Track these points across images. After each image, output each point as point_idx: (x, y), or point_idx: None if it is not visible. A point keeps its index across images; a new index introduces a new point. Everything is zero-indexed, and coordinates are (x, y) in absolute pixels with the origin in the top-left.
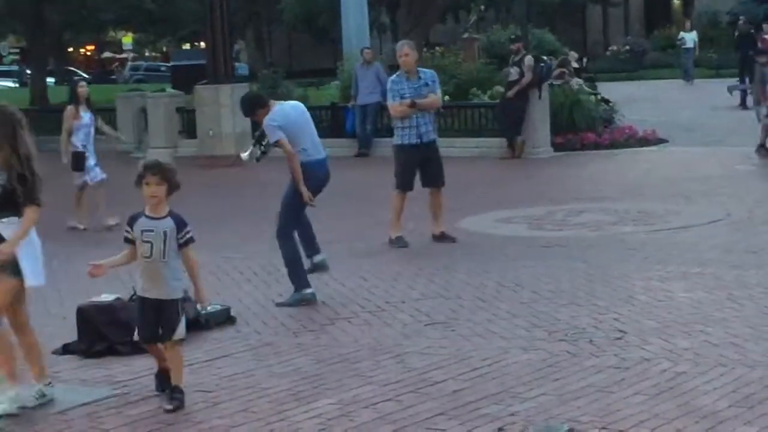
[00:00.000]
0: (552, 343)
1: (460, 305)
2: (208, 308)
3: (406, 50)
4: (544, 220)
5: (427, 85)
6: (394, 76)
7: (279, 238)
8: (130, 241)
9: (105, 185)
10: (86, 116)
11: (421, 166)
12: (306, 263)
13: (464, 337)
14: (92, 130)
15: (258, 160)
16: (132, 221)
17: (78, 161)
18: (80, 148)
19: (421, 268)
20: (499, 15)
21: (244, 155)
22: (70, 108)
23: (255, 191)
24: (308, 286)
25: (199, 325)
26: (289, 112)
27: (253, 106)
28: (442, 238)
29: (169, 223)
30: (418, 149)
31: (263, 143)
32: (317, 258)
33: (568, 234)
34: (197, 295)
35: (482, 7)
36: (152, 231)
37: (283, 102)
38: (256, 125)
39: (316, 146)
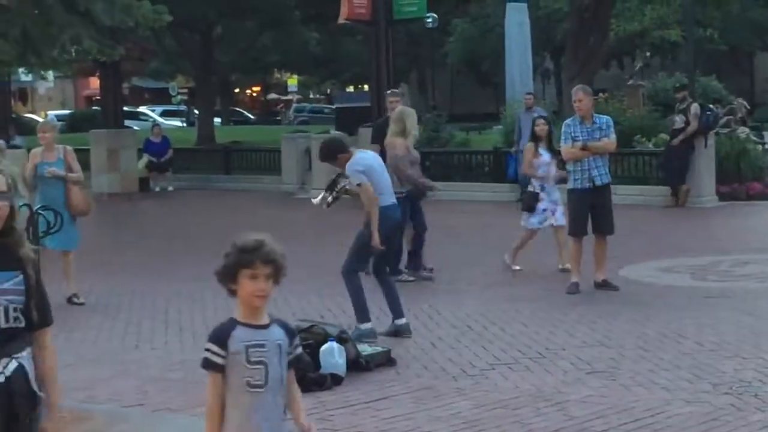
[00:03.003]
0: (716, 395)
1: (622, 354)
2: (369, 350)
3: (580, 96)
4: (708, 270)
5: (601, 129)
6: (569, 119)
7: (344, 275)
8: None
9: (563, 230)
10: (545, 155)
11: (592, 212)
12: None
13: (626, 386)
14: (552, 169)
15: (329, 205)
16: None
17: (530, 201)
18: (536, 188)
19: (582, 315)
20: (665, 62)
21: (315, 201)
22: (529, 145)
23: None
24: (368, 320)
25: (359, 366)
26: (370, 158)
27: (334, 151)
28: (604, 285)
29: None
30: (591, 193)
31: (336, 189)
32: (399, 321)
33: (733, 285)
34: None
35: (647, 54)
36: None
37: (362, 150)
38: None
39: (390, 192)
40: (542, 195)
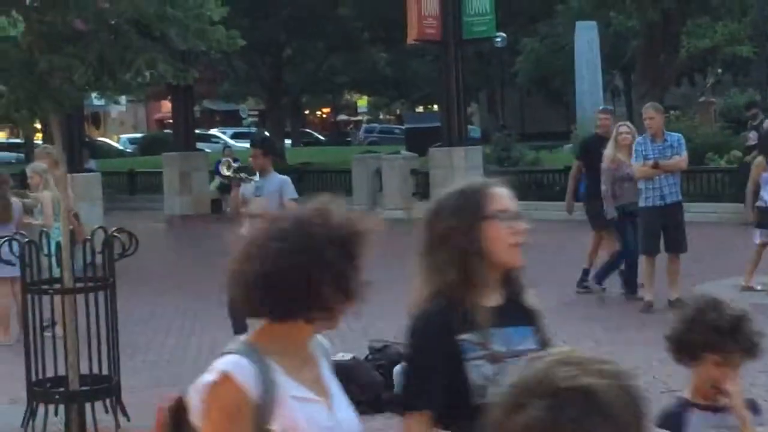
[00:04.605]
0: None
1: None
2: None
3: (651, 113)
4: None
5: (672, 147)
6: (640, 137)
7: None
8: None
9: None
10: None
11: (664, 230)
12: None
13: None
14: None
15: (218, 172)
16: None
17: (762, 216)
18: (765, 204)
19: (656, 334)
20: (737, 78)
21: (224, 167)
22: (759, 159)
23: None
24: None
25: None
26: None
27: (274, 150)
28: (678, 304)
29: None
30: (662, 211)
31: (235, 176)
32: None
33: None
34: None
35: (719, 70)
36: None
37: None
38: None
39: None
40: None
